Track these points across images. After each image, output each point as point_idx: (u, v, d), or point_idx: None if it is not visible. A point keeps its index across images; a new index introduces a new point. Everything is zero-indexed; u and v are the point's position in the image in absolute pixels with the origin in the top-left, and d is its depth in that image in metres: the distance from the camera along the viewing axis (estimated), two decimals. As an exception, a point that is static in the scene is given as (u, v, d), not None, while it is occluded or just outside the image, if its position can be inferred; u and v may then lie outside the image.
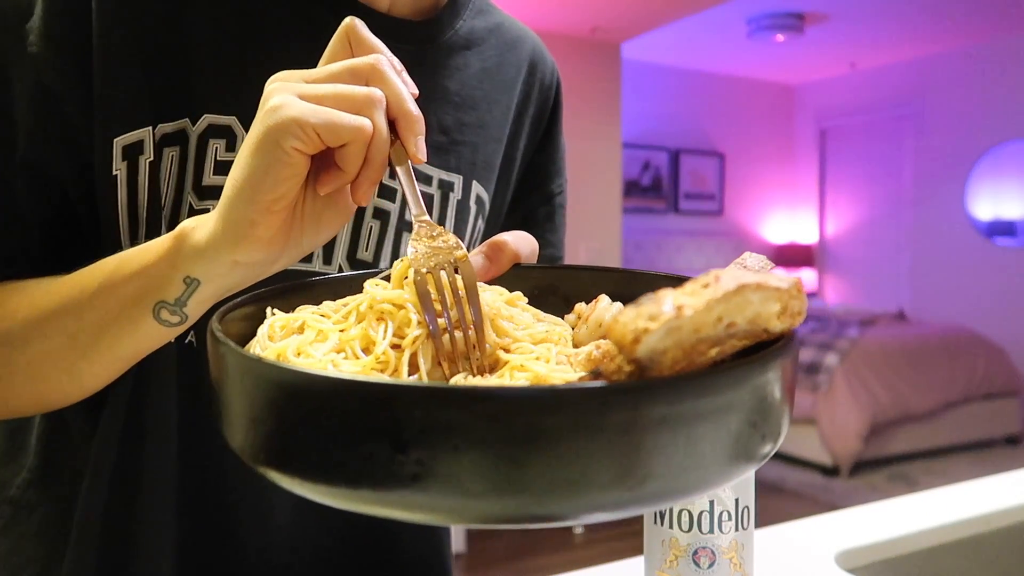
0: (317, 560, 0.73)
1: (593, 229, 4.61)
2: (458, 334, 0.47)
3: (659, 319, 0.34)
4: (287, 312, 0.49)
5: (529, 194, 0.86)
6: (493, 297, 0.50)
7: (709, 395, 0.34)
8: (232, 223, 0.49)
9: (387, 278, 0.51)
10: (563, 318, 0.53)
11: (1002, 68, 5.67)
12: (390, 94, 0.50)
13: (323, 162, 0.50)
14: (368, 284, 0.49)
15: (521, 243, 0.56)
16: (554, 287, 0.57)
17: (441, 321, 0.47)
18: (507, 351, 0.47)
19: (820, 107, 7.01)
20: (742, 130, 6.91)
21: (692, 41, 5.70)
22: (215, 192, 0.62)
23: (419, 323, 0.45)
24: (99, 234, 0.63)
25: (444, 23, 0.75)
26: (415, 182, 0.52)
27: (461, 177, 0.74)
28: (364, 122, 0.48)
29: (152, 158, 0.62)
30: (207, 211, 0.53)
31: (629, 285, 0.55)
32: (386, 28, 0.70)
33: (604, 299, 0.52)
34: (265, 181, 0.48)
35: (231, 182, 0.49)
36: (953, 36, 5.65)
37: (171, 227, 0.58)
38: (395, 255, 0.71)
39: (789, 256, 6.89)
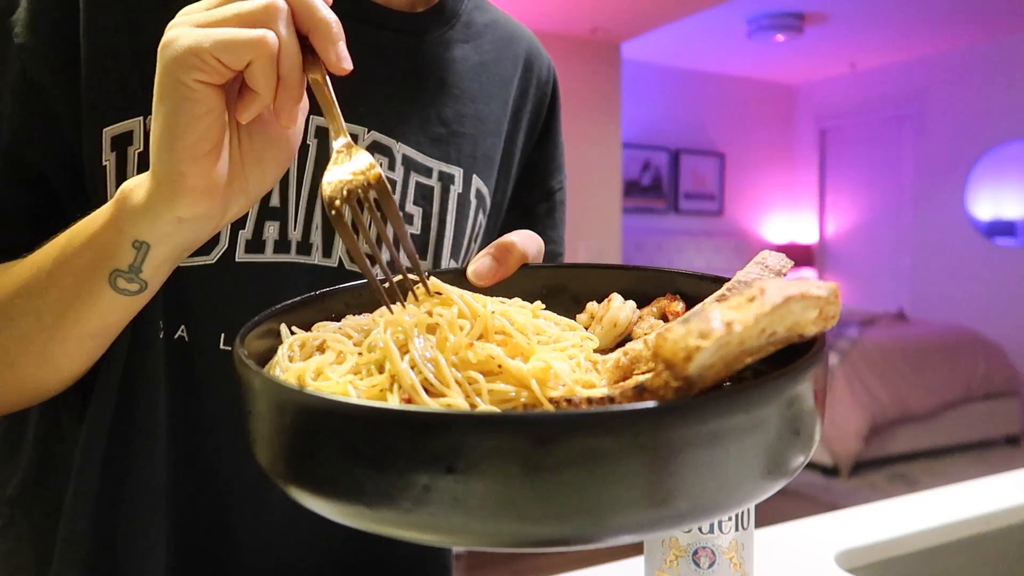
0: (314, 560, 0.72)
1: (593, 229, 4.60)
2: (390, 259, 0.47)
3: (711, 336, 0.34)
4: (304, 327, 0.48)
5: (529, 191, 0.86)
6: (522, 313, 0.49)
7: (760, 407, 0.34)
8: (163, 178, 0.48)
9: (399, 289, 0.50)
10: (574, 318, 0.53)
11: (1002, 68, 5.67)
12: (295, 3, 0.47)
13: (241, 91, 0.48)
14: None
15: (528, 243, 0.56)
16: (563, 286, 0.57)
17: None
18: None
19: (820, 107, 7.00)
20: (742, 130, 6.91)
21: (692, 41, 5.70)
22: None
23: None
24: None
25: (442, 15, 0.75)
26: (336, 102, 0.49)
27: (461, 170, 0.74)
28: (263, 33, 0.45)
29: (142, 149, 0.61)
30: None
31: (639, 283, 0.55)
32: (384, 19, 0.70)
33: (616, 298, 0.52)
34: (178, 124, 0.46)
35: (152, 136, 0.48)
36: (953, 36, 5.64)
37: None
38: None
39: (789, 256, 6.83)
